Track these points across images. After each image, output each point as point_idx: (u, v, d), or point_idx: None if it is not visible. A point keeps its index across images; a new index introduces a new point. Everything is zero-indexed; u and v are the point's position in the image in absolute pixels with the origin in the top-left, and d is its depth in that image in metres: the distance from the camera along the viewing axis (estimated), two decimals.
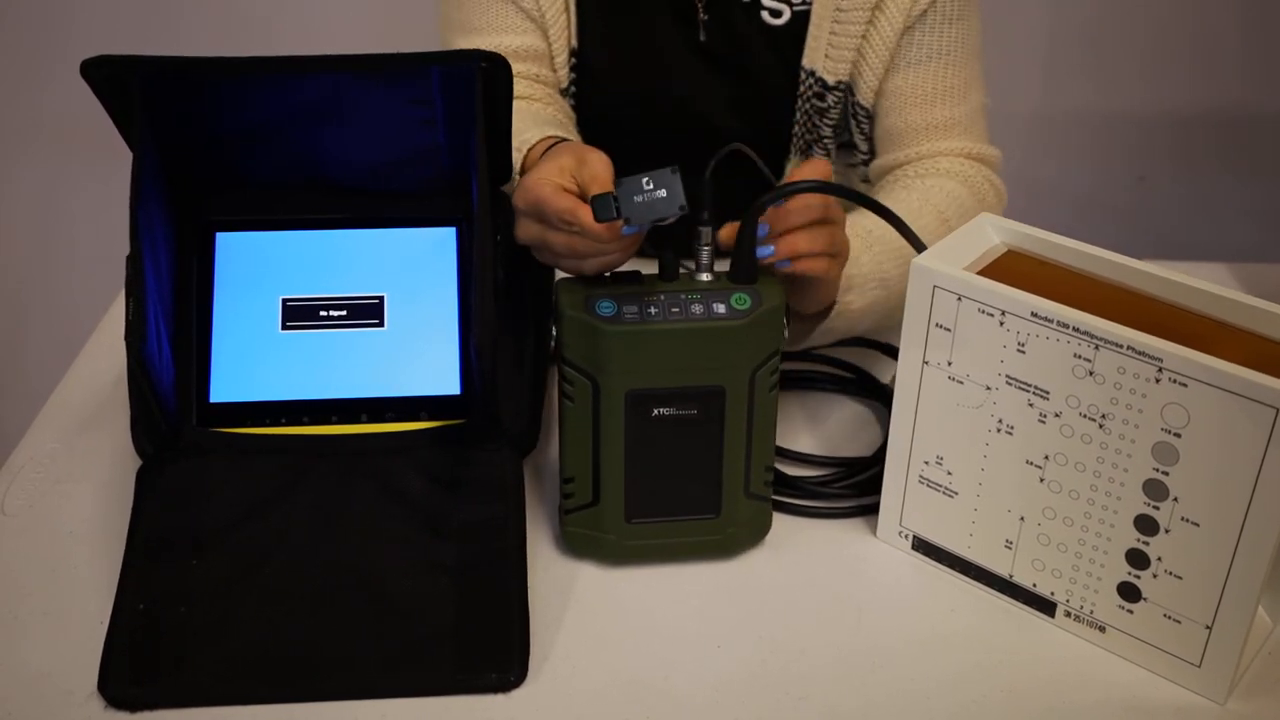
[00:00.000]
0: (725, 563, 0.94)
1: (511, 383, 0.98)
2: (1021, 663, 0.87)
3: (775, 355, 0.89)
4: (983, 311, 0.84)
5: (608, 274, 0.90)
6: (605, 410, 0.87)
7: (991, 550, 0.91)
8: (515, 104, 0.97)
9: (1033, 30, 2.15)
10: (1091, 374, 0.81)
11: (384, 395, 0.98)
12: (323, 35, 2.11)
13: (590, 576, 0.93)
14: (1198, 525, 0.80)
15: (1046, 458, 0.85)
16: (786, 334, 0.89)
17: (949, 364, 0.87)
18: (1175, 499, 0.80)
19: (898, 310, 1.07)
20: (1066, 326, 0.81)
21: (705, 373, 0.87)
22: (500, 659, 0.84)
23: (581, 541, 0.93)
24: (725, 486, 0.91)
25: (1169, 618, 0.83)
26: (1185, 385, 0.77)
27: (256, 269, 1.00)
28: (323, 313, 0.99)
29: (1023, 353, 0.83)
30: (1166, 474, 0.80)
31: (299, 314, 0.99)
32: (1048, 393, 0.83)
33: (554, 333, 0.88)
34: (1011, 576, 0.90)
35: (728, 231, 0.90)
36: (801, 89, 1.22)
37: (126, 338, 0.88)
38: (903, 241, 0.96)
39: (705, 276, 0.88)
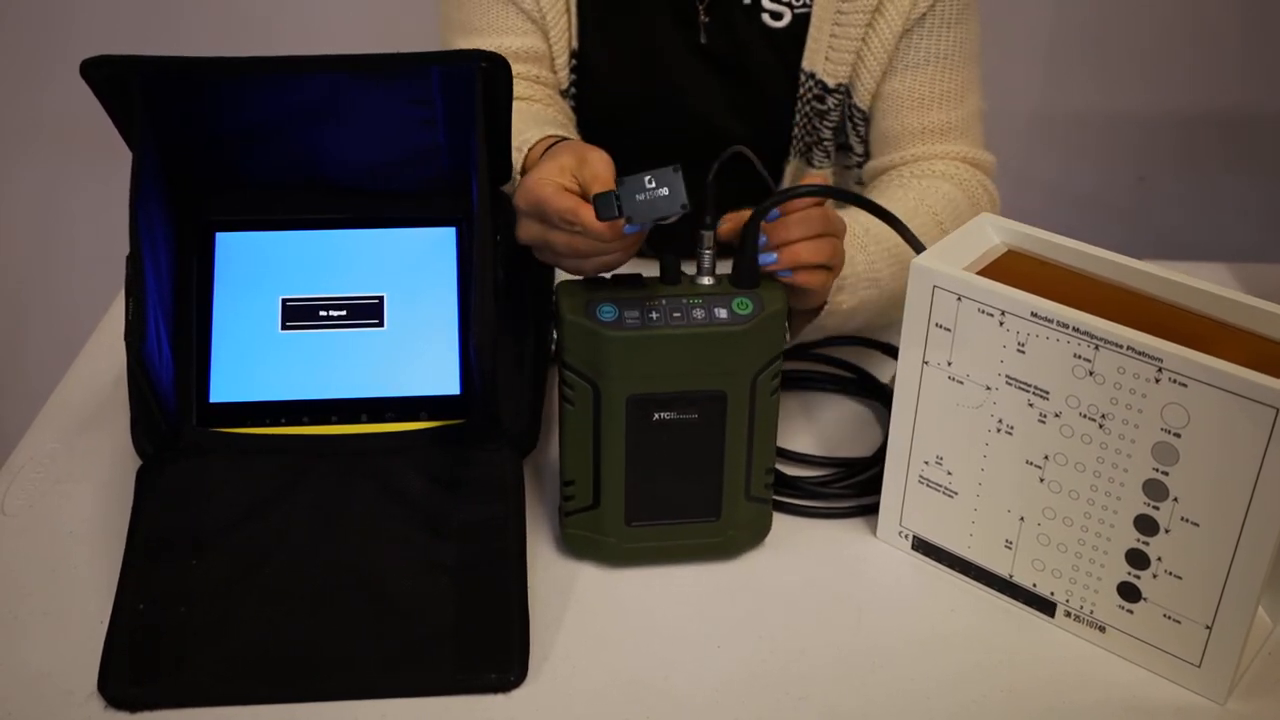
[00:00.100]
0: (725, 563, 0.94)
1: (511, 383, 0.98)
2: (1021, 663, 0.87)
3: (777, 360, 0.89)
4: (983, 311, 0.84)
5: (609, 275, 0.89)
6: (606, 414, 0.87)
7: (991, 550, 0.91)
8: (515, 105, 0.97)
9: (1034, 30, 2.15)
10: (1091, 374, 0.81)
11: (384, 395, 0.98)
12: (323, 35, 2.11)
13: (590, 576, 0.93)
14: (1198, 525, 0.80)
15: (1046, 458, 0.85)
16: (788, 338, 0.89)
17: (949, 364, 0.87)
18: (1175, 499, 0.80)
19: (889, 309, 1.07)
20: (1066, 326, 0.81)
21: (707, 377, 0.87)
22: (500, 659, 0.84)
23: (581, 543, 0.93)
24: (726, 490, 0.91)
25: (1169, 618, 0.83)
26: (1185, 385, 0.77)
27: (256, 269, 1.00)
28: (322, 313, 0.99)
29: (1023, 353, 0.83)
30: (1166, 474, 0.80)
31: (299, 314, 0.99)
32: (1048, 393, 0.83)
33: (554, 336, 0.87)
34: (1011, 576, 0.90)
35: (728, 227, 0.89)
36: (801, 91, 1.22)
37: (126, 338, 0.88)
38: (896, 241, 0.96)
39: (707, 280, 0.88)
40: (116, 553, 0.88)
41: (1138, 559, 0.83)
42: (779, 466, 0.99)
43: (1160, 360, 0.77)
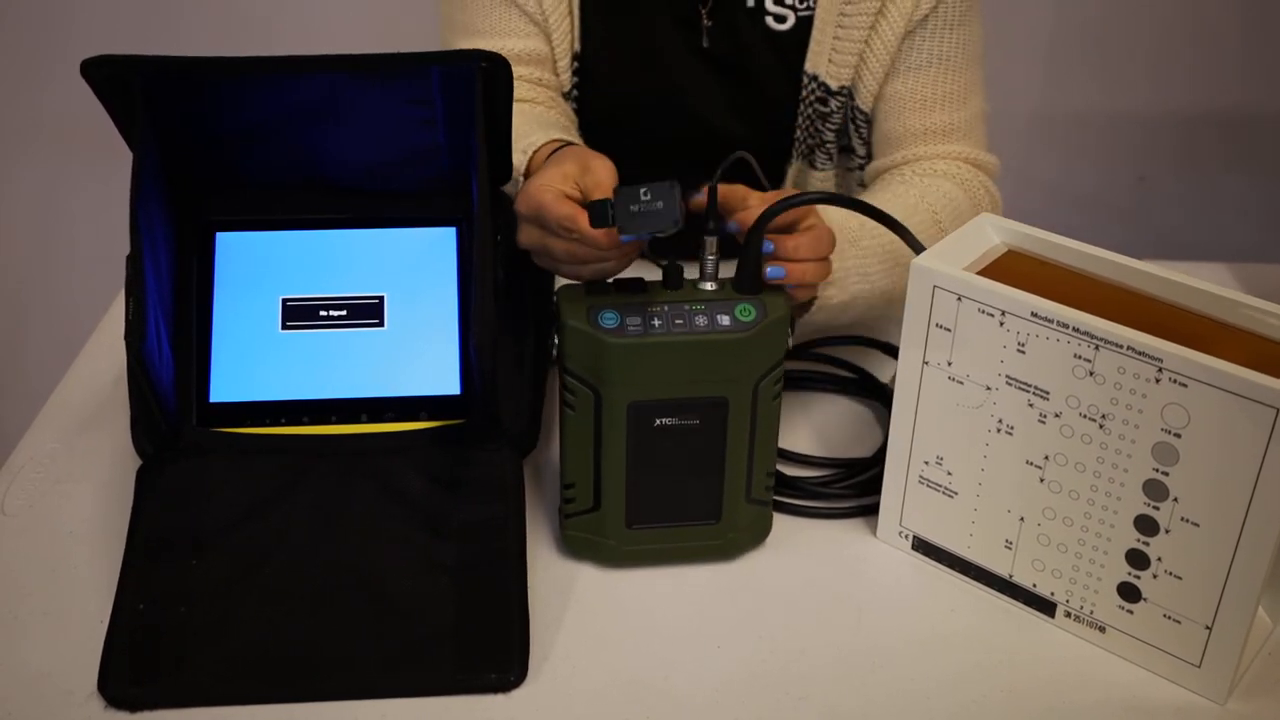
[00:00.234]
0: (725, 563, 0.94)
1: (511, 383, 0.98)
2: (1021, 663, 0.87)
3: (779, 365, 0.88)
4: (983, 311, 0.84)
5: (610, 280, 0.89)
6: (607, 420, 0.87)
7: (991, 550, 0.91)
8: (518, 107, 0.97)
9: (1034, 30, 2.15)
10: (1091, 374, 0.81)
11: (384, 395, 0.98)
12: (323, 35, 2.11)
13: (590, 577, 0.93)
14: (1198, 525, 0.80)
15: (1046, 458, 0.85)
16: (790, 343, 0.89)
17: (949, 364, 0.87)
18: (1175, 499, 0.80)
19: (881, 304, 1.07)
20: (1066, 326, 0.81)
21: (709, 384, 0.86)
22: (500, 659, 0.84)
23: (582, 545, 0.93)
24: (726, 493, 0.90)
25: (1169, 618, 0.83)
26: (1185, 385, 0.77)
27: (256, 269, 1.00)
28: (323, 312, 0.99)
29: (1023, 353, 0.83)
30: (1166, 474, 0.80)
31: (299, 314, 0.99)
32: (1048, 393, 0.83)
33: (555, 341, 0.87)
34: (1011, 576, 0.90)
35: (699, 200, 0.87)
36: (804, 94, 1.22)
37: (126, 337, 0.88)
38: (891, 238, 0.96)
39: (710, 285, 0.87)
40: (116, 553, 0.88)
41: (1138, 559, 0.83)
42: (779, 467, 0.98)
43: (1160, 360, 0.77)
